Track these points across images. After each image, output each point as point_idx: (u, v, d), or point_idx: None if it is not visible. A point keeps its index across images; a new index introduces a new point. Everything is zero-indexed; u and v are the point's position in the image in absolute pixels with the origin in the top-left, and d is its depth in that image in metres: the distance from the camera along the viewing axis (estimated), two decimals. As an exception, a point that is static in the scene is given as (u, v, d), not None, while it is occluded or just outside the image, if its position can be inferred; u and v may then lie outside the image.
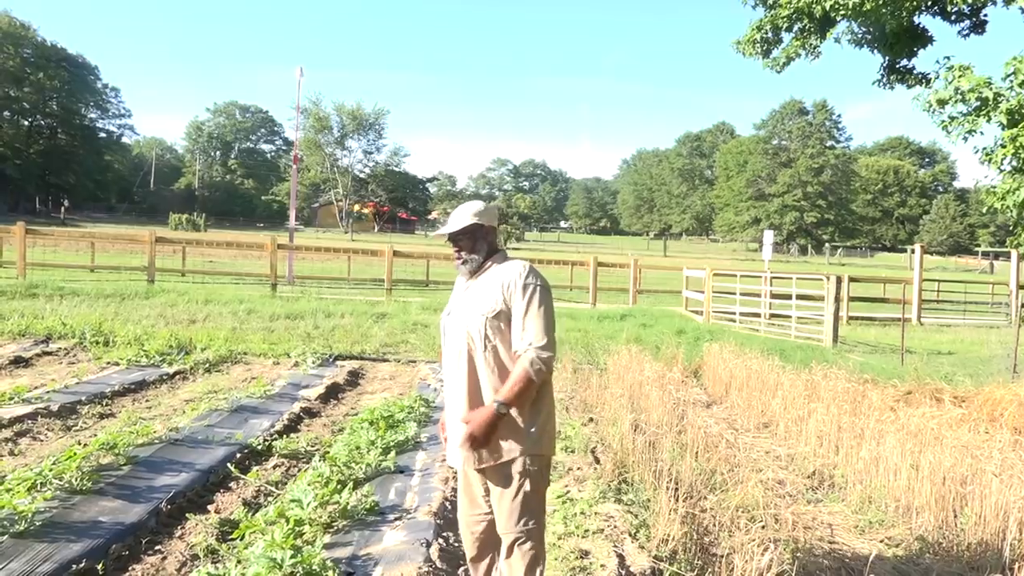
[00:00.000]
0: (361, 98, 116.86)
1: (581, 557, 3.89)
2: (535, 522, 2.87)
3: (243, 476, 4.92)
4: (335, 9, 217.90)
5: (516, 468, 2.83)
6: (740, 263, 50.90)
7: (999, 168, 8.93)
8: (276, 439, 5.76)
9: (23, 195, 75.16)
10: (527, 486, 2.83)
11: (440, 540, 3.96)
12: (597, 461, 5.64)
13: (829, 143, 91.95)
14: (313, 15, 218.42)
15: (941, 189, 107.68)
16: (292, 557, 3.33)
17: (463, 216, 3.00)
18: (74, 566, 3.40)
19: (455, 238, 3.00)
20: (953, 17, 10.38)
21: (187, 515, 4.21)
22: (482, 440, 2.78)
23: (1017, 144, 8.41)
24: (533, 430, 2.84)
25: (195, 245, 25.37)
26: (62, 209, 69.27)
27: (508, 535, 2.86)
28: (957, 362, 11.97)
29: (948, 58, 9.22)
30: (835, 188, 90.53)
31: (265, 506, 4.42)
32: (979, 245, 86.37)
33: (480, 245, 2.99)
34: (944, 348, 14.58)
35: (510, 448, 2.82)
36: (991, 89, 8.52)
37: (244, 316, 12.89)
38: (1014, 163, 8.76)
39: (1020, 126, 8.36)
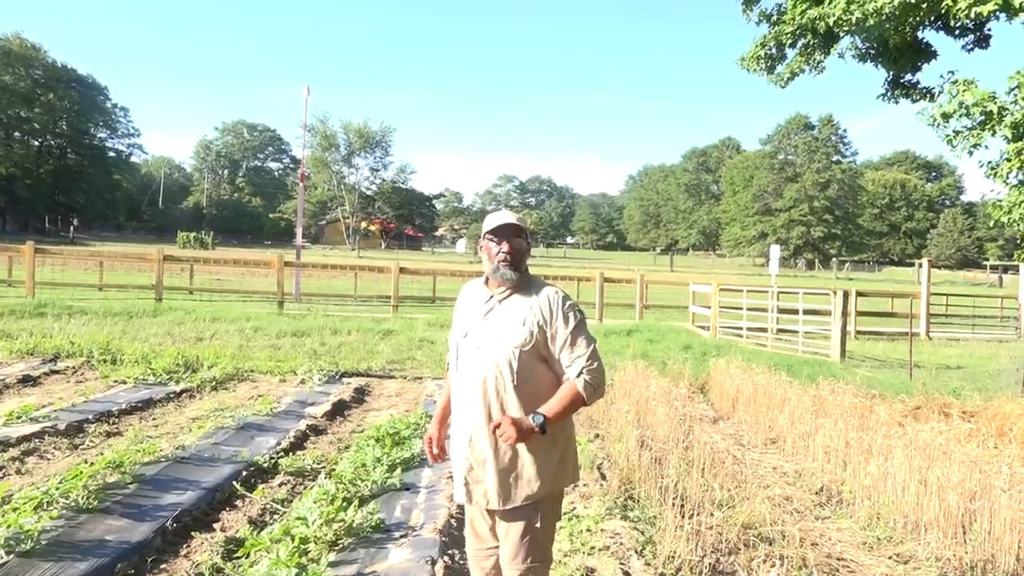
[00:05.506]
0: (368, 116, 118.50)
1: (587, 575, 3.88)
2: (541, 561, 2.70)
3: (249, 494, 4.91)
4: (342, 28, 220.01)
5: (527, 509, 2.67)
6: (747, 278, 50.80)
7: (1005, 182, 8.91)
8: (282, 457, 5.76)
9: (33, 214, 75.79)
10: (537, 523, 2.68)
11: (445, 558, 3.94)
12: (603, 477, 5.62)
13: (835, 157, 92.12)
14: (320, 34, 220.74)
15: (948, 203, 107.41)
16: None
17: (519, 221, 2.69)
18: (79, 585, 3.40)
19: (517, 232, 2.66)
20: (957, 32, 10.38)
21: (193, 533, 4.22)
22: (513, 443, 2.52)
23: (1023, 158, 8.40)
24: (553, 464, 2.68)
25: (202, 263, 25.52)
26: (71, 228, 69.81)
27: (511, 571, 2.70)
28: (966, 376, 11.90)
29: (952, 72, 9.25)
30: (841, 202, 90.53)
31: (271, 524, 4.41)
32: (987, 259, 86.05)
33: (526, 260, 2.70)
34: (953, 362, 14.49)
35: (526, 492, 2.65)
36: (996, 103, 8.51)
37: (251, 334, 12.93)
38: (1020, 176, 8.75)
39: (1025, 139, 8.36)
